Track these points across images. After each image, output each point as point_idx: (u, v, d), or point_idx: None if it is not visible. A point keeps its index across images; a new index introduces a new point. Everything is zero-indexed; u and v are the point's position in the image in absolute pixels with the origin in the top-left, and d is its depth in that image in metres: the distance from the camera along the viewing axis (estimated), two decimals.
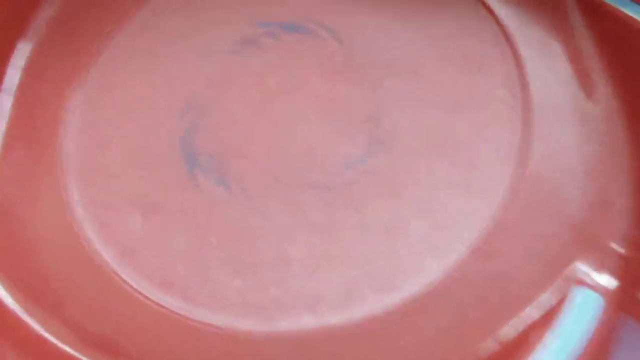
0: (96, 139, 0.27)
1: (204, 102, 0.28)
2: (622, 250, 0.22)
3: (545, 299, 0.22)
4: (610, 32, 0.25)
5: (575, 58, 0.26)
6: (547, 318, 0.21)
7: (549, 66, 0.26)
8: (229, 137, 0.27)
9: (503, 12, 0.28)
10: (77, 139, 0.27)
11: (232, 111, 0.27)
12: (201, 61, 0.29)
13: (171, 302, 0.23)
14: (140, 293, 0.24)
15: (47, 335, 0.24)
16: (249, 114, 0.27)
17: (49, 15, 0.30)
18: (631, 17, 0.24)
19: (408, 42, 0.27)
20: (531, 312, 0.22)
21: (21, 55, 0.29)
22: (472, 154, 0.25)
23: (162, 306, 0.23)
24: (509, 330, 0.22)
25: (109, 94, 0.28)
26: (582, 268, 0.22)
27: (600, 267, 0.22)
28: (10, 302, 0.25)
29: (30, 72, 0.29)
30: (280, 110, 0.27)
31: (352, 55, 0.28)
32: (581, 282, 0.22)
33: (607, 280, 0.21)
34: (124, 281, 0.24)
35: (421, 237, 0.24)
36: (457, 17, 0.27)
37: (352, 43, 0.28)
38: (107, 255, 0.25)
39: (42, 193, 0.27)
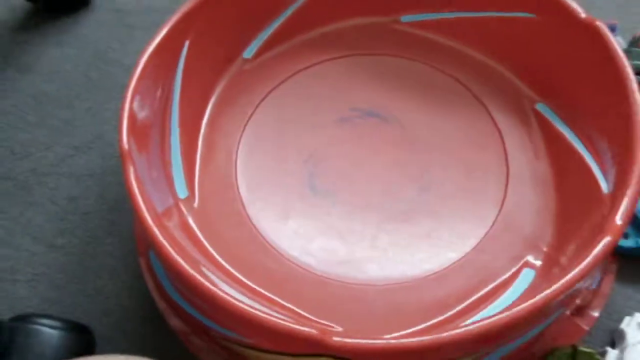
0: (255, 175, 0.47)
1: (318, 157, 0.48)
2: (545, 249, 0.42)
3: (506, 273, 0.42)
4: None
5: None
6: (508, 281, 0.41)
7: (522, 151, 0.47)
8: (334, 179, 0.47)
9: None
10: (244, 171, 0.47)
11: (336, 164, 0.48)
12: (314, 129, 0.49)
13: (309, 263, 0.43)
14: (289, 259, 0.44)
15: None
16: (346, 166, 0.48)
17: (222, 92, 0.51)
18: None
19: (446, 129, 0.48)
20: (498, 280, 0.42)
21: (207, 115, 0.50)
22: (476, 198, 0.45)
23: (303, 266, 0.43)
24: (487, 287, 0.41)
25: (260, 143, 0.49)
26: (529, 257, 0.42)
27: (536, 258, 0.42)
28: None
29: (212, 126, 0.49)
30: (366, 165, 0.47)
31: (410, 137, 0.48)
32: (527, 265, 0.42)
33: (538, 263, 0.42)
34: (280, 253, 0.44)
35: (442, 240, 0.44)
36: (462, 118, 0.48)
37: (411, 129, 0.48)
38: (270, 238, 0.44)
39: (228, 208, 0.46)
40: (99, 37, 0.59)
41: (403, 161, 0.47)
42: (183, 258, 0.36)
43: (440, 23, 0.51)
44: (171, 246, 0.36)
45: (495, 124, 0.48)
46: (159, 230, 0.36)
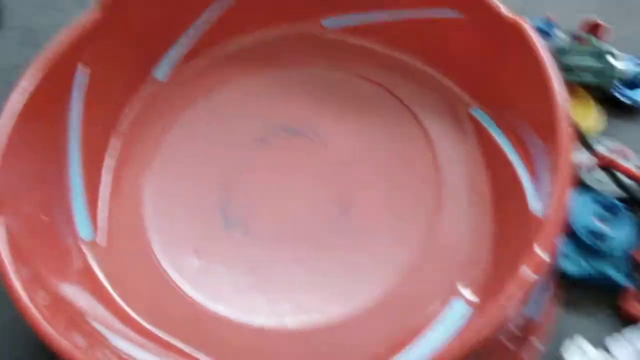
0: (165, 209, 0.43)
1: (234, 183, 0.44)
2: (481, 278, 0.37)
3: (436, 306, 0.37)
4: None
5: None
6: (437, 316, 0.37)
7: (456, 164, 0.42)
8: (250, 209, 0.42)
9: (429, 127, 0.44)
10: (153, 204, 0.43)
11: (252, 191, 0.43)
12: (230, 153, 0.45)
13: (218, 309, 0.39)
14: (196, 302, 0.40)
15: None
16: (263, 193, 0.43)
17: (131, 118, 0.46)
18: None
19: (372, 143, 0.44)
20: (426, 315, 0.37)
21: (113, 149, 0.45)
22: (403, 219, 0.41)
23: (213, 312, 0.39)
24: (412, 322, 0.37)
25: (172, 171, 0.44)
26: (462, 289, 0.37)
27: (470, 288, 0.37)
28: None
29: (119, 158, 0.45)
30: (284, 191, 0.43)
31: (332, 155, 0.44)
32: (459, 297, 0.37)
33: (472, 297, 0.37)
34: (188, 296, 0.40)
35: (363, 272, 0.39)
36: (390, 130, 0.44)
37: (333, 146, 0.44)
38: (176, 278, 0.40)
39: (135, 247, 0.42)
40: (7, 60, 0.55)
41: (323, 181, 0.43)
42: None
43: (366, 27, 0.47)
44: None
45: (427, 134, 0.44)
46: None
